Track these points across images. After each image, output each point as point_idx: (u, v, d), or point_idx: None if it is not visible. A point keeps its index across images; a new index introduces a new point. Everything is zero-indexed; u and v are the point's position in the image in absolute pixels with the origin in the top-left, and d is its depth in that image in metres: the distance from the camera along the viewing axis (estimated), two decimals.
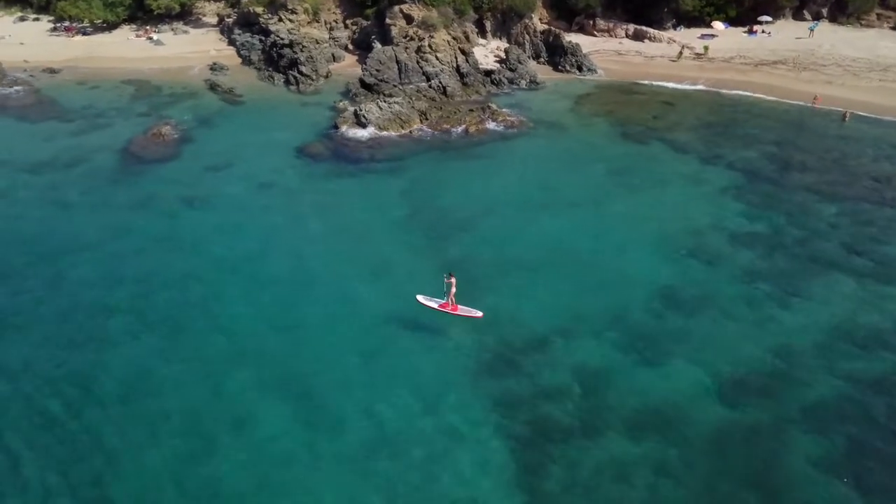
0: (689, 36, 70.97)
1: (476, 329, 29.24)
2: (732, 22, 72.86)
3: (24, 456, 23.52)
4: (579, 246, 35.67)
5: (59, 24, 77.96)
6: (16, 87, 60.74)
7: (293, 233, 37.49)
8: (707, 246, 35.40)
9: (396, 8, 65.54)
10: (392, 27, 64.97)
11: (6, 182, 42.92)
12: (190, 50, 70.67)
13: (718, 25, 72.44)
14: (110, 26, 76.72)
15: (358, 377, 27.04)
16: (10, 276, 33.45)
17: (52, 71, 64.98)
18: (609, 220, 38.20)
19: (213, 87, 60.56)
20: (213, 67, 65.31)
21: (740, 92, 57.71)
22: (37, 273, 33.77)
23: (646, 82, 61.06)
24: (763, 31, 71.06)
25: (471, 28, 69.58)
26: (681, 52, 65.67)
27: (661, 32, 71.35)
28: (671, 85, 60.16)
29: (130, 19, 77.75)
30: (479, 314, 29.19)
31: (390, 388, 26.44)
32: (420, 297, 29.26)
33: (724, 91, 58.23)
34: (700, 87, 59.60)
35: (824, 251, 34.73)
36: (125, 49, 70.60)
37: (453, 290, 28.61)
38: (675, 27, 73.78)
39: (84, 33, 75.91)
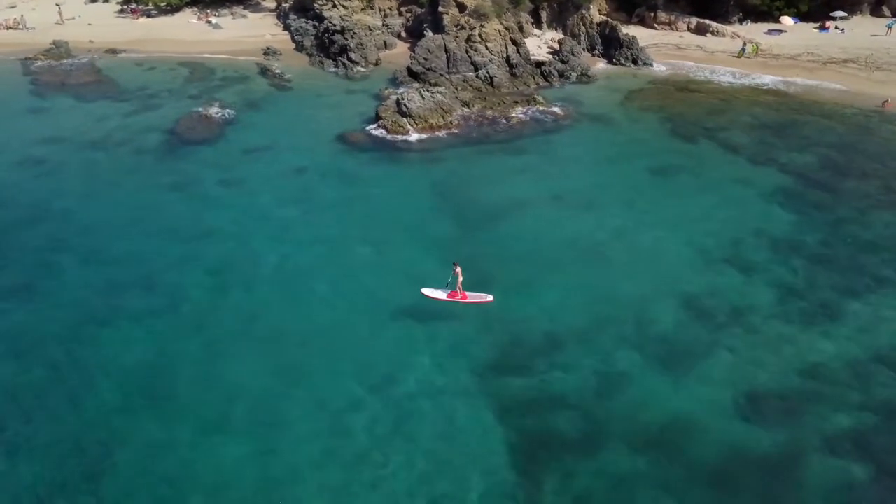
0: (755, 31, 67.79)
1: (490, 326, 28.53)
2: (803, 17, 69.18)
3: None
4: (609, 246, 34.38)
5: (125, 6, 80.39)
6: (78, 67, 62.78)
7: (320, 219, 37.42)
8: (745, 254, 33.54)
9: None
10: (444, 15, 64.33)
11: (57, 158, 44.38)
12: (246, 34, 71.74)
13: (787, 20, 68.88)
14: (173, 9, 78.66)
15: (369, 363, 26.89)
16: (45, 249, 34.56)
17: (113, 51, 67.03)
18: (645, 221, 36.66)
19: (263, 71, 61.30)
20: (267, 52, 66.05)
21: (804, 91, 54.67)
22: (72, 246, 34.81)
23: (703, 78, 58.56)
24: (836, 28, 67.14)
25: (526, 18, 68.45)
26: (743, 48, 62.66)
27: (724, 26, 68.38)
28: (730, 81, 57.51)
29: (193, 2, 79.45)
30: (490, 298, 28.74)
31: (399, 379, 26.10)
32: (425, 290, 28.69)
33: (785, 89, 55.30)
34: (760, 83, 56.78)
35: (873, 268, 32.29)
36: (184, 32, 72.19)
37: (460, 278, 28.12)
38: (741, 21, 70.59)
39: (148, 15, 78.08)
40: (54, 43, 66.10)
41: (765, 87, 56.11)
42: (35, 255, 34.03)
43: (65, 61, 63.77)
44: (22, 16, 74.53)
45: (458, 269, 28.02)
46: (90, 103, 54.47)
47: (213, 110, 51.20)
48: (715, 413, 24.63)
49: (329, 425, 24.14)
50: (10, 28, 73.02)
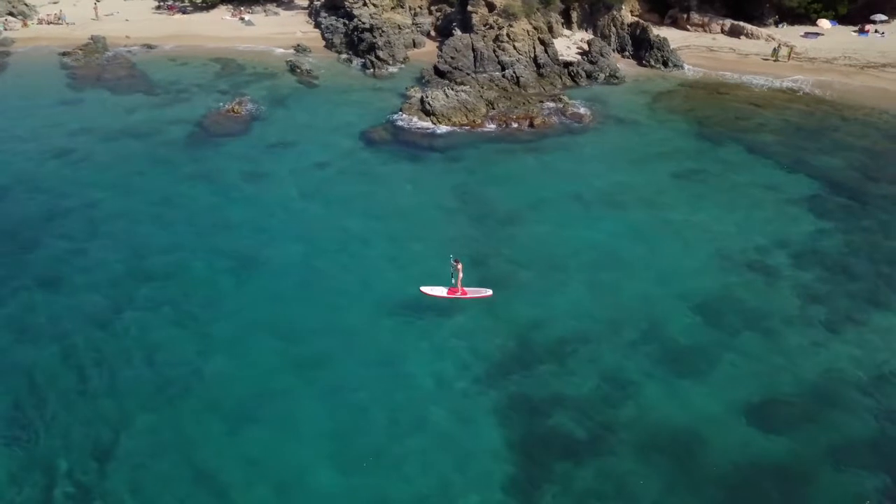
0: (791, 34, 66.21)
1: (497, 326, 28.38)
2: (841, 20, 67.39)
3: None
4: (625, 249, 33.94)
5: (162, 3, 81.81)
6: (113, 61, 64.09)
7: (335, 215, 37.62)
8: (767, 259, 32.81)
9: None
10: (473, 15, 64.08)
11: (86, 148, 45.28)
12: (277, 31, 72.44)
13: (825, 23, 67.15)
14: (209, 6, 79.79)
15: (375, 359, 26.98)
16: (68, 236, 35.47)
17: (148, 47, 68.22)
18: (664, 225, 36.11)
19: (292, 68, 61.80)
20: (297, 49, 66.60)
21: (839, 95, 53.25)
22: (97, 234, 35.68)
23: (735, 81, 57.43)
24: (876, 31, 65.31)
25: (556, 18, 67.87)
26: (775, 50, 61.32)
27: (759, 29, 66.91)
28: (762, 84, 56.31)
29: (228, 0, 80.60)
30: (489, 293, 28.75)
31: (401, 377, 26.10)
32: (424, 288, 28.62)
33: (820, 93, 53.91)
34: (794, 87, 55.51)
35: None
36: (218, 28, 73.18)
37: (460, 275, 28.05)
38: (776, 24, 69.04)
39: (184, 12, 79.34)
40: (92, 38, 67.53)
41: (798, 91, 54.77)
42: (61, 242, 34.85)
43: (100, 56, 65.07)
44: (61, 11, 76.32)
45: (460, 266, 27.96)
46: (122, 96, 55.48)
47: (241, 105, 51.77)
48: (727, 421, 24.22)
49: (327, 424, 24.30)
50: (51, 23, 74.81)
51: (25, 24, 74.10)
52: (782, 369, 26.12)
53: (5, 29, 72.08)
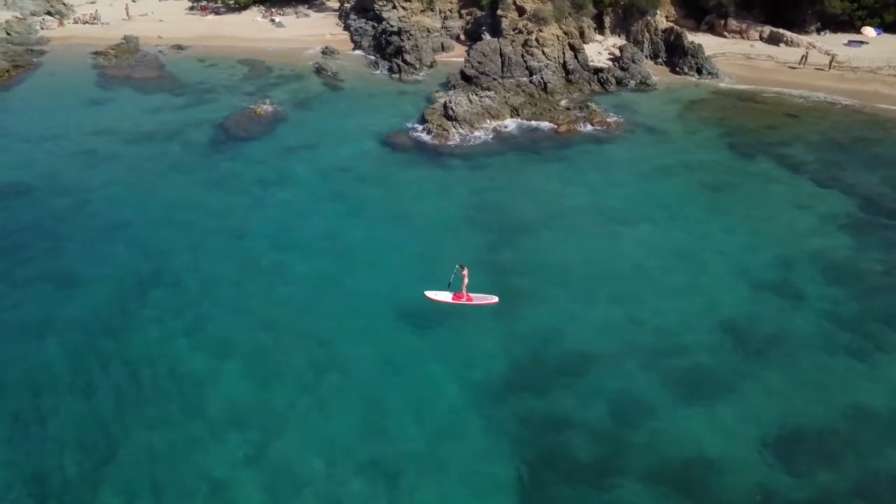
0: (833, 42, 63.76)
1: (508, 341, 27.43)
2: (887, 28, 64.65)
3: None
4: (646, 264, 32.68)
5: (196, 4, 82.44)
6: (143, 61, 64.61)
7: (350, 221, 37.08)
8: (794, 280, 31.23)
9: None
10: (503, 19, 63.13)
11: (107, 150, 45.49)
12: (307, 33, 72.35)
13: (869, 31, 64.48)
14: (241, 7, 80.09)
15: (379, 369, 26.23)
16: (82, 236, 35.59)
17: (179, 47, 68.64)
18: (687, 240, 34.74)
19: (319, 70, 61.55)
20: (325, 51, 66.35)
21: (881, 107, 50.98)
22: (105, 235, 35.76)
23: (771, 90, 55.36)
24: None
25: (588, 23, 66.54)
26: (803, 58, 59.05)
27: (800, 36, 64.52)
28: (800, 94, 54.21)
29: (259, 1, 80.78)
30: (495, 299, 28.18)
31: (406, 394, 25.30)
32: (429, 293, 27.86)
33: (860, 104, 51.67)
34: (833, 97, 53.31)
35: None
36: (248, 30, 73.36)
37: (466, 280, 27.42)
38: (819, 31, 66.58)
39: (216, 13, 79.78)
40: (125, 38, 68.24)
41: (837, 102, 52.59)
42: (76, 243, 34.99)
43: (132, 56, 65.66)
44: (97, 10, 77.38)
45: (465, 272, 27.28)
46: (149, 96, 55.79)
47: (264, 107, 51.66)
48: (743, 452, 22.97)
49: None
50: (86, 22, 75.87)
51: (62, 24, 75.28)
52: (804, 400, 24.68)
53: (42, 28, 73.31)
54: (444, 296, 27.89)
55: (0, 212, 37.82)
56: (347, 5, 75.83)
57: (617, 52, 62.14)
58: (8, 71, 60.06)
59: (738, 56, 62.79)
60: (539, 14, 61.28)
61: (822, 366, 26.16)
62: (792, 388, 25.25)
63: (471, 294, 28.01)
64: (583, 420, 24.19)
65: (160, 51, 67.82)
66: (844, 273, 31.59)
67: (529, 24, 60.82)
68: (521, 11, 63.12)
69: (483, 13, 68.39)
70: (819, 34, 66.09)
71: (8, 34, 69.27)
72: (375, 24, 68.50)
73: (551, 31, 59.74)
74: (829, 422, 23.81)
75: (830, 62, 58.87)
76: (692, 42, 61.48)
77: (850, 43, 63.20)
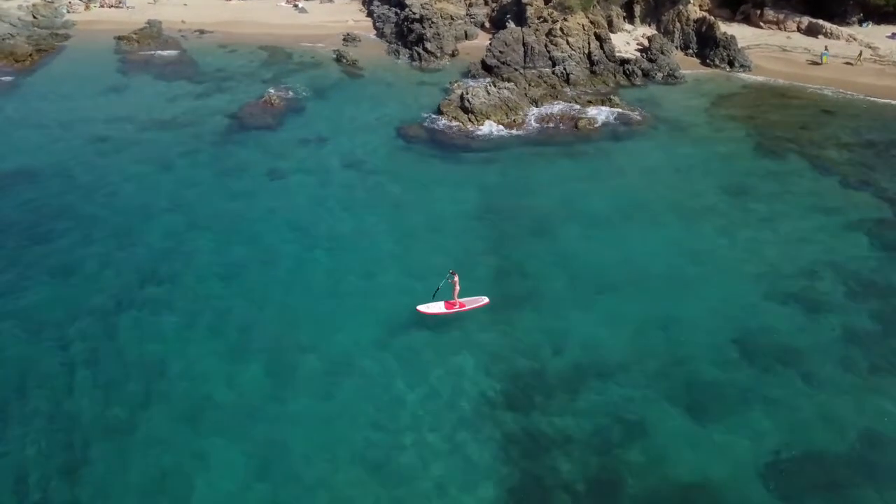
0: (875, 34, 60.85)
1: (508, 352, 26.32)
2: None
3: None
4: (660, 270, 31.23)
5: None
6: (165, 47, 64.31)
7: (358, 216, 36.19)
8: (816, 290, 29.56)
9: None
10: (528, 6, 61.32)
11: (120, 137, 45.06)
12: (330, 19, 71.40)
13: None
14: None
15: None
16: (87, 226, 35.19)
17: (201, 32, 68.24)
18: (705, 244, 33.17)
19: (339, 58, 60.58)
20: (347, 38, 65.32)
21: None
22: (114, 226, 35.28)
23: (807, 85, 52.94)
24: None
25: (617, 12, 64.50)
26: (860, 54, 56.26)
27: (840, 28, 61.68)
28: (835, 90, 51.64)
29: None
30: (485, 300, 27.43)
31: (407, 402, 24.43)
32: (421, 307, 26.88)
33: None
34: (870, 94, 50.69)
35: None
36: (271, 15, 72.61)
37: (457, 288, 26.61)
38: (860, 23, 63.52)
39: None
40: (148, 23, 67.98)
41: (874, 99, 49.98)
42: (77, 232, 34.60)
43: (154, 40, 65.41)
44: None
45: (456, 278, 26.42)
46: (168, 83, 55.42)
47: (280, 95, 50.94)
48: (746, 478, 21.57)
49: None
50: (112, 6, 75.91)
51: (88, 7, 75.31)
52: (816, 422, 23.19)
53: (69, 11, 73.48)
54: (437, 307, 26.97)
55: (13, 196, 37.62)
56: None
57: (646, 43, 60.05)
58: (31, 55, 60.19)
59: (773, 48, 60.40)
60: (565, 2, 59.47)
61: (837, 386, 24.59)
62: (802, 409, 23.74)
63: (461, 300, 27.10)
64: (579, 433, 23.15)
65: (183, 35, 67.48)
66: (870, 285, 29.89)
67: (555, 13, 59.03)
68: (546, 0, 61.32)
69: (508, 1, 66.63)
70: (861, 26, 63.14)
71: (35, 17, 69.52)
72: (398, 11, 67.24)
73: (577, 21, 57.92)
74: (842, 446, 22.34)
75: (859, 55, 56.03)
76: (724, 33, 59.16)
77: (893, 35, 60.24)
